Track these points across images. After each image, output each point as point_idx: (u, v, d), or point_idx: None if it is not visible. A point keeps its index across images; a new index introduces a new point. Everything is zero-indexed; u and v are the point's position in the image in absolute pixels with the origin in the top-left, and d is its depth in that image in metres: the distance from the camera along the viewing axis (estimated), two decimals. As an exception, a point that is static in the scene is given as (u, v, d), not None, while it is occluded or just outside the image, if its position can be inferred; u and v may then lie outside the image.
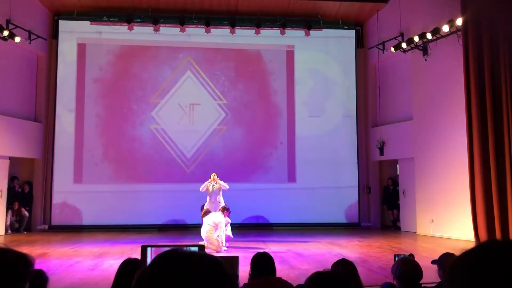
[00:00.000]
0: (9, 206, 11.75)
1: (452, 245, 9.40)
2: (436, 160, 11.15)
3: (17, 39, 11.37)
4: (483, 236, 9.04)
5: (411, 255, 3.93)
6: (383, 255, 8.25)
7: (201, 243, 8.70)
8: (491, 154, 9.00)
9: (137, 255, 3.21)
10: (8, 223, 11.68)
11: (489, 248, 0.95)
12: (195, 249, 2.05)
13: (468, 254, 0.95)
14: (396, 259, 3.21)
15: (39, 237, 11.03)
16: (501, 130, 8.93)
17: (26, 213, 12.07)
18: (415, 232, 11.77)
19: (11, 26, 11.40)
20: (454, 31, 10.46)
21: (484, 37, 9.23)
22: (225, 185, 9.85)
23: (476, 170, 9.27)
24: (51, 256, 8.24)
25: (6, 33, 11.02)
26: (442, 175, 10.94)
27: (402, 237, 11.40)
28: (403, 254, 3.96)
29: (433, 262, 3.49)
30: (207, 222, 8.81)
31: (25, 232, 11.94)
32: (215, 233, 8.76)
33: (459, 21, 10.03)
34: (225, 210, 9.10)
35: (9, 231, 11.65)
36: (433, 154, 11.27)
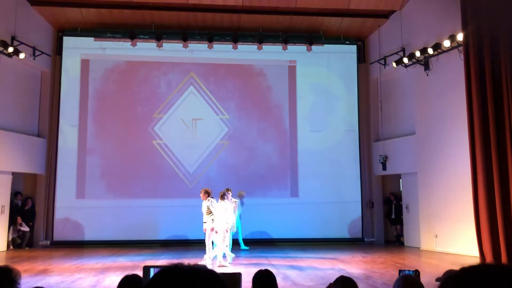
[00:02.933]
0: (12, 221, 11.72)
1: (457, 260, 9.31)
2: (440, 175, 11.11)
3: (22, 56, 11.49)
4: (488, 252, 8.95)
5: (416, 271, 3.88)
6: (387, 271, 8.17)
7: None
8: (494, 168, 8.97)
9: (139, 271, 3.20)
10: (10, 238, 11.65)
11: (479, 272, 0.94)
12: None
13: (458, 276, 0.95)
14: (398, 276, 3.17)
15: (41, 253, 10.98)
16: (504, 143, 8.92)
17: (26, 228, 12.02)
18: (419, 248, 11.68)
19: (15, 43, 11.53)
20: (455, 46, 10.52)
21: (485, 52, 9.27)
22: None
23: (479, 185, 9.22)
24: (52, 272, 8.19)
25: (11, 49, 11.14)
26: (446, 189, 10.89)
27: (405, 253, 11.31)
28: (408, 270, 3.92)
29: (438, 279, 3.45)
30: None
31: (27, 248, 11.90)
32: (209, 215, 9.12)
33: (460, 36, 10.09)
34: (225, 195, 9.27)
35: (11, 247, 11.61)
36: (436, 168, 11.23)
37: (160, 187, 12.96)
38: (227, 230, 9.21)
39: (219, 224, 9.05)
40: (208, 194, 9.32)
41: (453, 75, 10.69)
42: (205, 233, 9.30)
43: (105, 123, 13.12)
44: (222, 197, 9.25)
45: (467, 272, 0.94)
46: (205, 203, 9.27)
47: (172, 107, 13.38)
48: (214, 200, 9.30)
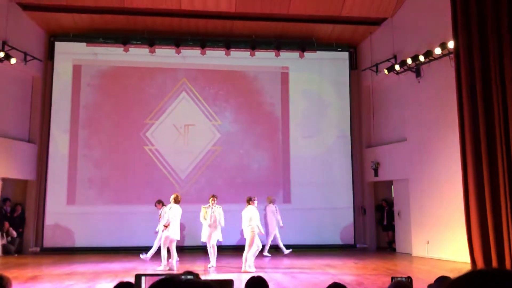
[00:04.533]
0: (0, 228, 11.57)
1: (448, 267, 9.34)
2: (431, 181, 11.17)
3: (13, 61, 11.41)
4: (479, 258, 8.99)
5: (409, 278, 3.88)
6: (378, 278, 8.17)
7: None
8: (485, 174, 9.02)
9: (130, 278, 3.17)
10: (-1, 245, 11.51)
11: (479, 277, 0.94)
12: (191, 277, 2.01)
13: (459, 282, 0.95)
14: (390, 283, 3.17)
15: (30, 260, 10.86)
16: (495, 150, 8.98)
17: (14, 233, 11.86)
18: (411, 254, 11.71)
19: (6, 48, 11.45)
20: (446, 53, 10.61)
21: (476, 59, 9.35)
22: (222, 220, 9.89)
23: (470, 191, 9.27)
24: (42, 279, 8.09)
25: (1, 54, 11.08)
26: (437, 196, 10.94)
27: (397, 259, 11.33)
28: (401, 277, 3.91)
29: (430, 286, 3.45)
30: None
31: (16, 255, 11.74)
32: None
33: (451, 44, 10.18)
34: (251, 200, 9.19)
35: (0, 254, 11.45)
36: (427, 175, 11.29)
37: (151, 193, 12.84)
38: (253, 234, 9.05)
39: (245, 229, 9.06)
40: (175, 200, 9.41)
41: (444, 82, 10.78)
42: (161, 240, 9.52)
43: (96, 129, 13.04)
44: (249, 201, 9.25)
45: (465, 278, 0.94)
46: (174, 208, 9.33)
47: (165, 113, 13.34)
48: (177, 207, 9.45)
